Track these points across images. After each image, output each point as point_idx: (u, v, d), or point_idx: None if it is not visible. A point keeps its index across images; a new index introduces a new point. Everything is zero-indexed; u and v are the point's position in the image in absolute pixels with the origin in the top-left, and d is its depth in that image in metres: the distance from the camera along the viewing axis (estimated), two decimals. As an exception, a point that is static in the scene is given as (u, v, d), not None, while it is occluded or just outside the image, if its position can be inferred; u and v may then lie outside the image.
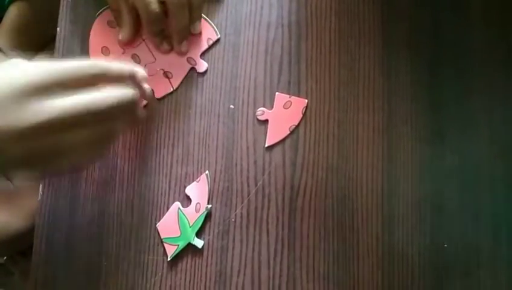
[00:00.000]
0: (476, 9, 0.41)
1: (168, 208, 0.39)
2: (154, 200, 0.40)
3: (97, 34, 0.42)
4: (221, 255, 0.39)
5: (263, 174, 0.39)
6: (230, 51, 0.41)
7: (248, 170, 0.40)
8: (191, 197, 0.39)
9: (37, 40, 0.67)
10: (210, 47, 0.41)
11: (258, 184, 0.39)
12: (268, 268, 0.38)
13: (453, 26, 0.41)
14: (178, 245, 0.38)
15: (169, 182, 0.40)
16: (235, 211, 0.39)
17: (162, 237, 0.39)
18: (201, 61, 0.41)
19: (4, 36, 0.66)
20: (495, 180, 0.39)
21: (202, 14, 0.41)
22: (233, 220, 0.39)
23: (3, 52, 0.65)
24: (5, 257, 0.67)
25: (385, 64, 0.40)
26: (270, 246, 0.38)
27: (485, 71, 0.40)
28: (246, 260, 0.38)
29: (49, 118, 0.27)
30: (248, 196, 0.39)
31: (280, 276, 0.38)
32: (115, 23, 0.42)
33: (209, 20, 0.42)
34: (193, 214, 0.39)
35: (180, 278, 0.38)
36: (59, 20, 0.43)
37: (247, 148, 0.40)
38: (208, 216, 0.39)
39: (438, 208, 0.39)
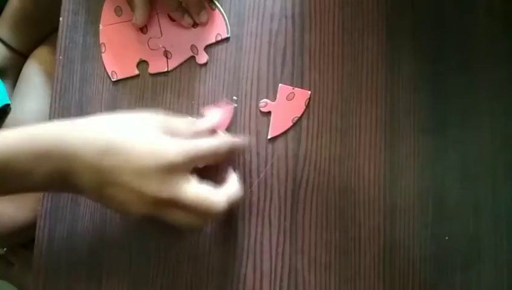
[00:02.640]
0: (480, 1, 0.41)
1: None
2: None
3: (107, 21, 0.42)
4: (223, 246, 0.39)
5: (266, 166, 0.40)
6: (234, 43, 0.41)
7: (251, 162, 0.40)
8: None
9: (39, 30, 0.67)
10: (216, 42, 0.41)
11: (261, 176, 0.39)
12: (270, 259, 0.38)
13: (456, 19, 0.41)
14: None
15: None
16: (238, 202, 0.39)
17: None
18: (204, 53, 0.41)
19: (6, 26, 0.65)
20: (497, 173, 0.39)
21: (219, 7, 0.41)
22: (235, 211, 0.39)
23: (5, 43, 0.65)
24: (5, 248, 0.67)
25: (388, 56, 0.40)
26: (272, 237, 0.39)
27: (489, 63, 0.40)
28: (248, 251, 0.38)
29: (179, 197, 0.31)
30: (250, 187, 0.39)
31: (282, 267, 0.38)
32: (121, 10, 0.42)
33: (225, 16, 0.41)
34: None
35: (183, 269, 0.38)
36: (62, 10, 0.42)
37: (250, 139, 0.40)
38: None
39: (440, 200, 0.39)
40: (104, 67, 0.42)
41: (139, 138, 0.32)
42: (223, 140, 0.36)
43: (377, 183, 0.39)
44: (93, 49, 0.42)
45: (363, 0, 0.41)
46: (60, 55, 0.42)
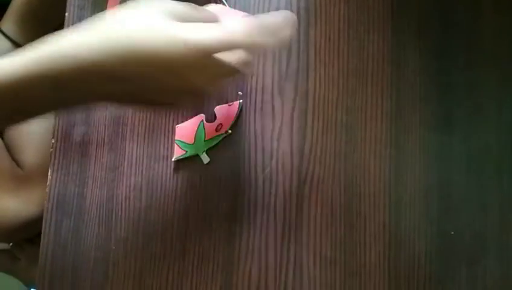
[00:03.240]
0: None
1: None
2: (163, 185, 0.40)
3: None
4: (228, 241, 0.39)
5: (271, 161, 0.40)
6: (239, 38, 0.41)
7: (256, 157, 0.40)
8: (217, 115, 0.40)
9: (43, 26, 0.67)
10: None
11: (266, 171, 0.39)
12: (275, 254, 0.38)
13: (462, 14, 0.40)
14: (186, 152, 0.39)
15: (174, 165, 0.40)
16: (243, 196, 0.39)
17: (175, 138, 0.40)
18: None
19: (11, 22, 0.66)
20: (503, 168, 0.39)
21: (225, 3, 0.41)
22: (240, 205, 0.39)
23: (9, 38, 0.65)
24: (11, 243, 0.68)
25: (394, 51, 0.40)
26: (278, 231, 0.39)
27: (495, 59, 0.40)
28: (253, 245, 0.39)
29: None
30: (256, 182, 0.39)
31: (287, 261, 0.38)
32: (126, 2, 0.42)
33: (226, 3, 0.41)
34: (212, 132, 0.39)
35: (188, 263, 0.39)
36: (67, 5, 0.43)
37: (255, 134, 0.40)
38: (215, 201, 0.39)
39: (445, 195, 0.39)
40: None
41: (151, 30, 0.30)
42: (240, 29, 0.31)
43: (382, 179, 0.39)
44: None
45: (369, -5, 0.41)
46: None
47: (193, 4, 0.33)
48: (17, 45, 0.66)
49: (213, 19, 0.33)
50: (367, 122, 0.39)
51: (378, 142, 0.39)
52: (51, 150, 0.41)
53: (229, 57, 0.32)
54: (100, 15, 0.31)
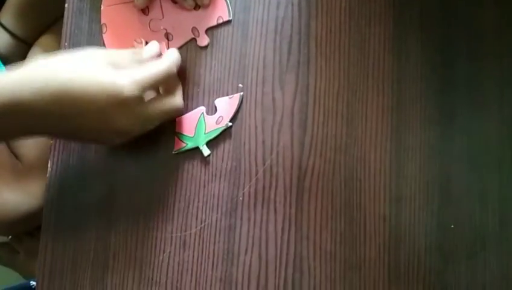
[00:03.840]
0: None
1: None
2: (163, 177, 0.40)
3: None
4: (228, 234, 0.39)
5: (271, 154, 0.39)
6: (239, 30, 0.41)
7: (256, 150, 0.40)
8: (217, 108, 0.40)
9: (43, 18, 0.67)
10: (218, 25, 0.41)
11: (266, 163, 0.39)
12: (276, 246, 0.38)
13: (464, 6, 0.40)
14: (187, 144, 0.39)
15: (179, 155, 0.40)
16: (243, 190, 0.39)
17: (176, 130, 0.40)
18: (205, 35, 0.41)
19: (10, 15, 0.65)
20: (504, 162, 0.39)
21: None
22: (240, 199, 0.39)
23: (9, 30, 0.65)
24: (10, 236, 0.68)
25: (395, 44, 0.40)
26: (278, 224, 0.39)
27: (497, 52, 0.39)
28: (253, 238, 0.39)
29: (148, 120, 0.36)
30: (256, 175, 0.39)
31: (287, 254, 0.38)
32: None
33: None
34: (212, 124, 0.39)
35: (188, 255, 0.39)
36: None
37: (256, 127, 0.40)
38: (215, 193, 0.39)
39: (446, 189, 0.39)
40: (105, 47, 0.42)
41: (88, 78, 0.32)
42: (170, 60, 0.37)
43: (383, 172, 0.39)
44: (98, 35, 0.42)
45: (371, -13, 0.41)
46: (65, 42, 0.42)
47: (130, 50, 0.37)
48: (15, 37, 0.65)
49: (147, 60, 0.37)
50: (368, 115, 0.39)
51: (379, 135, 0.39)
52: (51, 142, 0.41)
53: (158, 103, 0.36)
54: (37, 59, 0.33)
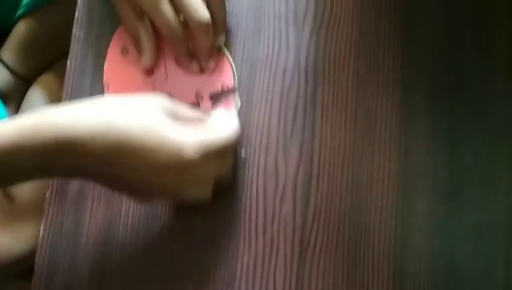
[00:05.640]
0: (499, 57, 0.40)
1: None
2: (158, 244, 0.38)
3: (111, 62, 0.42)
4: (226, 307, 0.37)
5: (272, 223, 0.38)
6: (244, 96, 0.40)
7: (257, 219, 0.38)
8: None
9: (45, 56, 0.67)
10: (222, 91, 0.40)
11: (267, 234, 0.38)
12: (274, 324, 0.37)
13: (475, 76, 0.40)
14: None
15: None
16: (242, 260, 0.38)
17: None
18: (208, 100, 0.40)
19: (11, 51, 0.65)
20: (511, 240, 0.38)
21: (228, 56, 0.40)
22: (239, 269, 0.38)
23: (9, 67, 0.65)
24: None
25: (403, 115, 0.39)
26: (277, 300, 0.37)
27: (507, 127, 0.39)
28: (251, 313, 0.37)
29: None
30: (255, 245, 0.38)
31: (286, 333, 0.37)
32: (127, 50, 0.41)
33: (233, 66, 0.40)
34: None
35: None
36: (70, 54, 0.42)
37: (257, 195, 0.39)
38: (212, 264, 0.38)
39: (451, 265, 0.37)
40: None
41: (149, 129, 0.30)
42: (234, 128, 0.35)
43: (387, 245, 0.38)
44: (100, 95, 0.41)
45: (379, 56, 0.40)
46: (65, 100, 0.41)
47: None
48: (16, 74, 0.65)
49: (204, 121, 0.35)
50: (373, 187, 0.38)
51: (384, 208, 0.38)
52: (44, 203, 0.39)
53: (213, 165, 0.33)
54: (100, 98, 0.32)
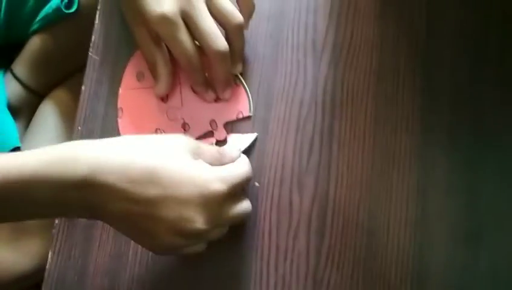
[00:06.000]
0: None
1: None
2: (168, 278, 0.37)
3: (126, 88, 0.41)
4: None
5: (285, 261, 0.37)
6: (260, 126, 0.39)
7: (269, 255, 0.37)
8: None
9: (57, 73, 0.66)
10: (237, 120, 0.40)
11: (279, 272, 0.37)
12: None
13: (496, 120, 0.39)
14: None
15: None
16: (252, 296, 0.37)
17: None
18: (223, 129, 0.39)
19: (23, 66, 0.65)
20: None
21: (245, 85, 0.40)
22: (249, 307, 0.37)
23: (21, 82, 0.64)
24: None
25: (422, 154, 0.38)
26: None
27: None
28: None
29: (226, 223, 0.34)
30: (267, 283, 0.37)
31: None
32: (143, 75, 0.40)
33: (249, 94, 0.40)
34: None
35: None
36: (85, 78, 0.41)
37: (270, 230, 0.38)
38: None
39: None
40: (119, 133, 0.40)
41: (175, 165, 0.30)
42: (248, 164, 0.35)
43: (403, 289, 0.37)
44: (113, 120, 0.40)
45: (398, 94, 0.39)
46: (78, 126, 0.40)
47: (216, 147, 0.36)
48: (28, 88, 0.65)
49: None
50: (390, 229, 0.37)
51: (401, 251, 0.37)
52: (53, 230, 0.39)
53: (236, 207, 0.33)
54: (122, 137, 0.32)
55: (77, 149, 0.30)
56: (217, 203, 0.31)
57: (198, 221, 0.30)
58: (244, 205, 0.34)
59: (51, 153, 0.30)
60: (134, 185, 0.29)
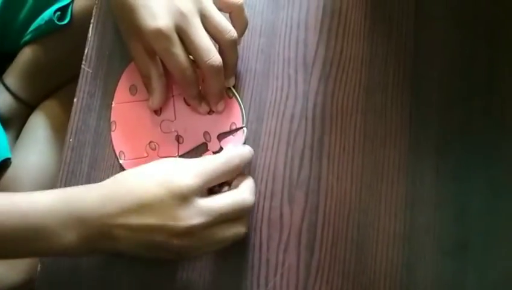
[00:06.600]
0: (510, 116, 0.40)
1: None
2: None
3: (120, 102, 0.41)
4: None
5: (275, 275, 0.37)
6: (251, 139, 0.40)
7: (259, 269, 0.38)
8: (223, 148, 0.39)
9: (48, 84, 0.66)
10: (230, 132, 0.40)
11: (269, 285, 0.37)
12: None
13: (484, 133, 0.40)
14: None
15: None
16: (242, 310, 0.37)
17: None
18: (216, 141, 0.40)
19: (15, 77, 0.64)
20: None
21: (237, 96, 0.40)
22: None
23: (11, 92, 0.64)
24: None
25: (410, 168, 0.39)
26: None
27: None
28: None
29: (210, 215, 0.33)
30: (257, 296, 0.37)
31: None
32: (136, 89, 0.41)
33: (242, 106, 0.40)
34: None
35: None
36: (77, 91, 0.41)
37: (260, 244, 0.38)
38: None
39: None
40: (113, 146, 0.40)
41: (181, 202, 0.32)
42: (229, 153, 0.36)
43: (391, 302, 0.37)
44: (106, 133, 0.40)
45: (387, 109, 0.40)
46: (70, 138, 0.40)
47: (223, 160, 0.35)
48: (19, 99, 0.64)
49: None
50: (378, 242, 0.38)
51: (389, 263, 0.37)
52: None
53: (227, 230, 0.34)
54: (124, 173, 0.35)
55: (85, 194, 0.34)
56: (194, 197, 0.32)
57: (187, 217, 0.32)
58: (242, 197, 0.34)
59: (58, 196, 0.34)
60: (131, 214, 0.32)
